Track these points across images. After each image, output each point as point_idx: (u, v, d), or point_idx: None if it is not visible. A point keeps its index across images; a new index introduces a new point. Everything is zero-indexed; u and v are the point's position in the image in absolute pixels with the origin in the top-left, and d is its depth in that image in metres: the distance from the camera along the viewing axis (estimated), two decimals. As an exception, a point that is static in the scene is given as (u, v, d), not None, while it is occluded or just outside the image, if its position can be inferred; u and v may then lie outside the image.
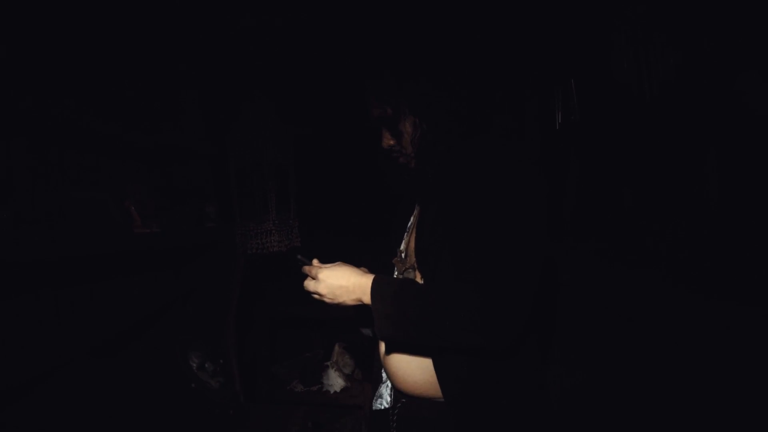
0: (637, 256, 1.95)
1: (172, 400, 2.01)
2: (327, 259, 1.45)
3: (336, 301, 1.36)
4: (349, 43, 2.14)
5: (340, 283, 1.34)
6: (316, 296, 1.39)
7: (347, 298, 1.35)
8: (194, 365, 2.12)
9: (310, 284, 1.38)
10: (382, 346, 1.52)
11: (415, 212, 1.60)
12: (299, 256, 1.46)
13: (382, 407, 1.62)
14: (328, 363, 2.76)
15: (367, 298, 1.32)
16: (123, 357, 1.93)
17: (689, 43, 1.60)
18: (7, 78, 1.54)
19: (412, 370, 1.39)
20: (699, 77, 1.62)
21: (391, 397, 1.61)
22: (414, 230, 1.55)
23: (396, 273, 1.55)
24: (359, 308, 1.40)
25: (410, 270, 1.47)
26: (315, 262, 1.44)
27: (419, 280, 1.42)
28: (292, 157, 2.37)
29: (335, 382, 2.67)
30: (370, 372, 2.60)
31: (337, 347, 2.85)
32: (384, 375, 1.63)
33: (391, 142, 1.47)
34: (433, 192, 1.39)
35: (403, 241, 1.60)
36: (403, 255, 1.55)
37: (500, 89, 1.50)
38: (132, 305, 1.97)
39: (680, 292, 1.89)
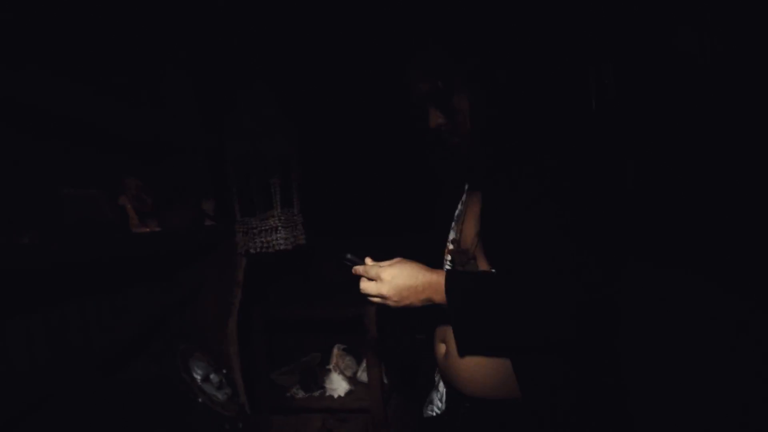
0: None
1: (178, 418, 1.80)
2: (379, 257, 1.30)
3: (402, 304, 1.21)
4: (377, 15, 1.99)
5: (409, 282, 1.19)
6: (377, 300, 1.23)
7: (415, 299, 1.21)
8: (198, 378, 1.92)
9: (370, 286, 1.22)
10: (442, 349, 1.40)
11: (464, 198, 1.48)
12: (349, 255, 1.30)
13: (434, 414, 1.50)
14: (330, 366, 2.61)
15: (439, 297, 1.19)
16: (123, 374, 1.72)
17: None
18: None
19: (484, 371, 1.28)
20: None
21: (442, 402, 1.49)
22: (467, 218, 1.44)
23: (452, 266, 1.42)
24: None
25: (471, 261, 1.35)
26: (368, 260, 1.29)
27: (486, 269, 1.31)
28: (295, 148, 2.20)
29: (339, 385, 2.52)
30: (379, 373, 2.48)
31: (336, 349, 2.70)
32: (437, 380, 1.51)
33: (441, 121, 1.33)
34: (503, 175, 1.27)
35: (453, 231, 1.47)
36: (457, 245, 1.43)
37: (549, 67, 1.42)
38: (130, 315, 1.76)
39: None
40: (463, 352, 1.29)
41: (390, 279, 1.20)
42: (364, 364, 2.62)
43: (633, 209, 1.89)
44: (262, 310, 2.46)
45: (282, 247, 2.13)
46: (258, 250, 2.12)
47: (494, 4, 1.36)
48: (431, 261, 1.34)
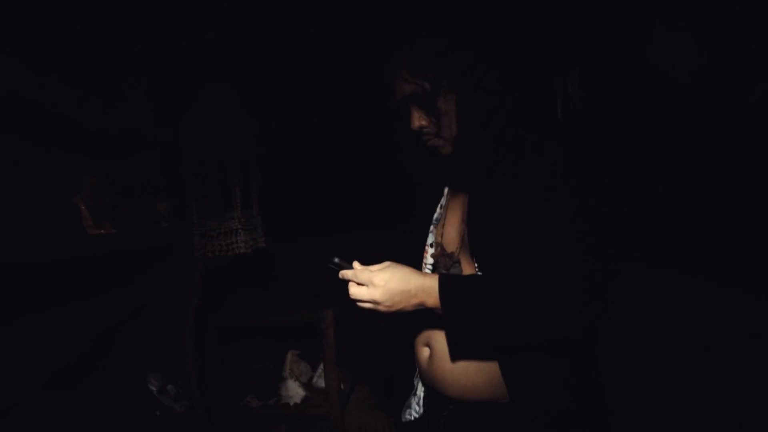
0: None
1: (135, 432, 1.70)
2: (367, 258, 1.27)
3: (393, 309, 1.19)
4: (343, 12, 1.95)
5: (401, 287, 1.17)
6: (368, 305, 1.20)
7: (407, 303, 1.19)
8: (154, 389, 1.81)
9: (361, 291, 1.18)
10: (425, 352, 1.38)
11: (444, 201, 1.48)
12: (336, 259, 1.25)
13: (412, 418, 1.49)
14: (285, 373, 2.53)
15: (432, 301, 1.18)
16: (74, 390, 1.58)
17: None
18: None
19: (471, 374, 1.28)
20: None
21: (420, 406, 1.48)
22: (448, 221, 1.44)
23: (434, 269, 1.41)
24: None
25: (456, 264, 1.35)
26: (356, 264, 1.25)
27: (470, 272, 1.31)
28: (254, 148, 2.13)
29: (295, 393, 2.45)
30: (337, 378, 2.43)
31: (290, 355, 2.63)
32: (417, 384, 1.50)
33: (424, 122, 1.32)
34: (489, 178, 1.27)
35: (432, 234, 1.47)
36: (439, 248, 1.42)
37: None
38: (82, 325, 1.63)
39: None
40: (455, 356, 1.28)
41: (383, 284, 1.17)
42: (320, 370, 2.57)
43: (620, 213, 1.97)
44: (218, 316, 2.36)
45: (242, 251, 2.06)
46: (216, 253, 2.04)
47: (483, 4, 1.36)
48: (399, 259, 1.32)
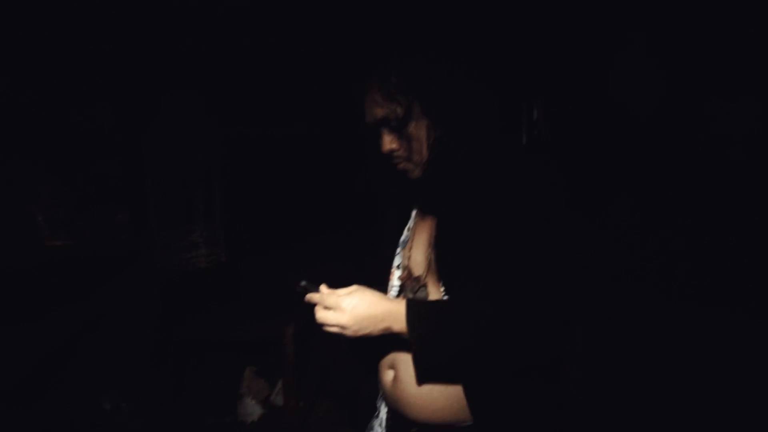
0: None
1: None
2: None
3: (360, 333, 1.18)
4: (331, 30, 1.94)
5: (369, 312, 1.16)
6: (334, 329, 1.18)
7: (374, 328, 1.18)
8: (108, 408, 1.75)
9: (328, 316, 1.17)
10: (390, 375, 1.38)
11: (412, 224, 1.49)
12: (304, 282, 1.23)
13: (375, 440, 1.47)
14: (242, 390, 2.48)
15: (398, 326, 1.18)
16: (26, 408, 1.51)
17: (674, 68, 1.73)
18: None
19: (436, 396, 1.28)
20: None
21: (382, 428, 1.47)
22: (415, 244, 1.44)
23: (401, 291, 1.41)
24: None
25: (423, 288, 1.36)
26: (323, 288, 1.23)
27: (437, 298, 1.32)
28: (220, 159, 2.10)
29: (252, 410, 2.41)
30: (295, 396, 2.40)
31: (248, 371, 2.58)
32: (380, 406, 1.48)
33: (394, 146, 1.32)
34: (457, 202, 1.29)
35: (399, 256, 1.47)
36: (406, 272, 1.42)
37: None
38: (36, 341, 1.56)
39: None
40: (422, 380, 1.28)
41: (350, 309, 1.16)
42: (278, 387, 2.53)
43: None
44: (176, 330, 2.30)
45: (203, 266, 2.02)
46: (176, 268, 1.99)
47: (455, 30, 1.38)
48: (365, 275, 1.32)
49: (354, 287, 1.21)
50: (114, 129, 1.94)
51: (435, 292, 1.34)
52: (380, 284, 1.48)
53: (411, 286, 1.38)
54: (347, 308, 1.16)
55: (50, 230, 1.56)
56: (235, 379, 2.62)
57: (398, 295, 1.42)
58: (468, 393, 1.25)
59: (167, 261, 1.94)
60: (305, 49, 2.14)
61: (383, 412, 1.48)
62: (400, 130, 1.29)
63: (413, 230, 1.47)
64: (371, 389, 1.53)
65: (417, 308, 1.18)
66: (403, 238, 1.50)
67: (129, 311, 1.92)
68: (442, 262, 1.30)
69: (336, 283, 1.24)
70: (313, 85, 2.36)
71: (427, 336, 1.16)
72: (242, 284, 2.83)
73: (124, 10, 1.89)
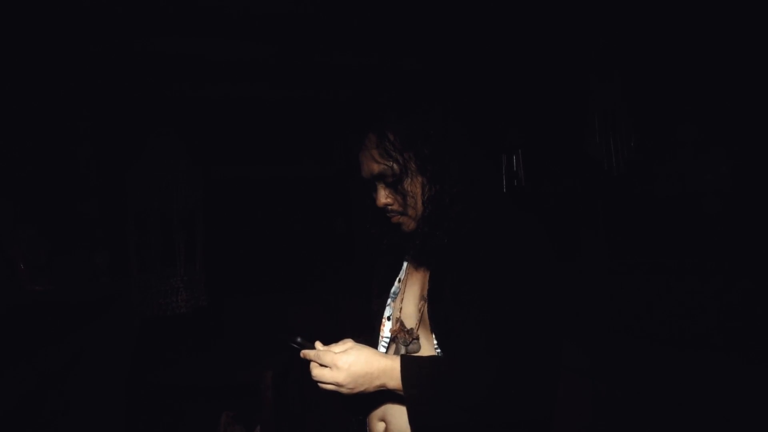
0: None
1: None
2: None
3: (356, 391, 1.18)
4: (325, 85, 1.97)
5: (365, 370, 1.16)
6: (330, 387, 1.18)
7: (369, 385, 1.18)
8: (80, 458, 1.68)
9: (324, 374, 1.16)
10: (380, 427, 1.37)
11: (403, 276, 1.50)
12: (299, 339, 1.23)
13: (362, 494, 1.45)
14: (217, 437, 2.41)
15: (393, 384, 1.18)
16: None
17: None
18: None
19: (430, 452, 1.27)
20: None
21: (371, 482, 1.45)
22: (407, 296, 1.45)
23: (394, 344, 1.41)
24: None
25: (415, 341, 1.36)
26: (318, 344, 1.23)
27: (429, 351, 1.32)
28: (202, 202, 2.08)
29: (227, 458, 2.34)
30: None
31: (224, 417, 2.51)
32: (370, 459, 1.46)
33: (389, 201, 1.35)
34: (453, 257, 1.31)
35: (390, 307, 1.47)
36: (398, 323, 1.42)
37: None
38: (10, 385, 1.49)
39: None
40: (415, 434, 1.28)
41: (346, 367, 1.16)
42: (255, 433, 2.46)
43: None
44: (153, 375, 2.23)
45: (182, 311, 1.99)
46: (156, 313, 1.95)
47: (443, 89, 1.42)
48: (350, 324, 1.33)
49: (349, 343, 1.21)
50: (95, 171, 1.92)
51: (427, 345, 1.34)
52: (370, 335, 1.49)
53: (403, 338, 1.38)
54: (343, 366, 1.16)
55: (29, 274, 1.52)
56: (212, 424, 2.55)
57: (389, 347, 1.43)
58: (458, 448, 1.25)
59: (146, 306, 1.89)
60: (290, 99, 2.18)
61: (376, 466, 1.46)
62: (395, 185, 1.32)
63: (404, 282, 1.48)
64: (361, 439, 1.51)
65: (412, 366, 1.19)
66: (393, 288, 1.50)
67: (104, 356, 1.86)
68: (436, 315, 1.31)
69: (320, 331, 1.25)
70: (297, 129, 2.39)
71: (423, 396, 1.17)
72: (222, 328, 2.78)
73: (105, 52, 1.90)
